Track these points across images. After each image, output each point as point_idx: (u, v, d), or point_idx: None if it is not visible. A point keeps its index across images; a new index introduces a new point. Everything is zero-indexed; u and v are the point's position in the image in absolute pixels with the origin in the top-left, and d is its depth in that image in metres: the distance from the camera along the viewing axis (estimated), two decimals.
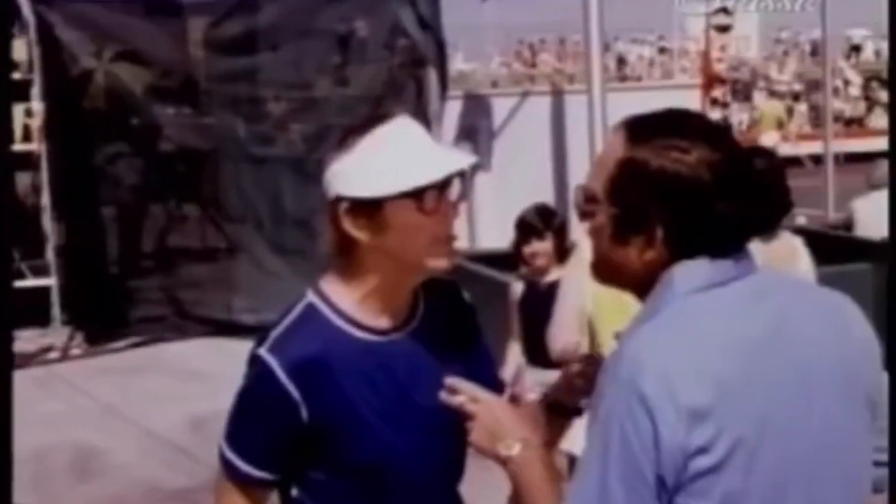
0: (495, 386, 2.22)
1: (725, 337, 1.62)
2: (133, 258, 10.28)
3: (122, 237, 10.15)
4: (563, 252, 4.91)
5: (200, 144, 10.25)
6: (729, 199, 1.66)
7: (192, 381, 7.74)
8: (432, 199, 1.97)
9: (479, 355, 2.26)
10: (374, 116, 2.06)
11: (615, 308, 3.23)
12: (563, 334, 3.93)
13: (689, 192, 1.66)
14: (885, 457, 1.79)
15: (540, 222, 4.96)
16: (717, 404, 1.56)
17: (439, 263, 2.05)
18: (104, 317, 9.67)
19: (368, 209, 1.98)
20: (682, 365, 1.57)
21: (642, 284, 1.72)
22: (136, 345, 9.48)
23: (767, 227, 3.68)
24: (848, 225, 9.07)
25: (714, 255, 1.67)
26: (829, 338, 1.71)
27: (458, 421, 2.17)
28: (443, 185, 2.00)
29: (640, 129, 1.73)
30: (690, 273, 1.67)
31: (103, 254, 9.99)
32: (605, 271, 1.78)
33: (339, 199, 2.00)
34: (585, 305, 3.64)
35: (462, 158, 2.02)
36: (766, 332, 1.65)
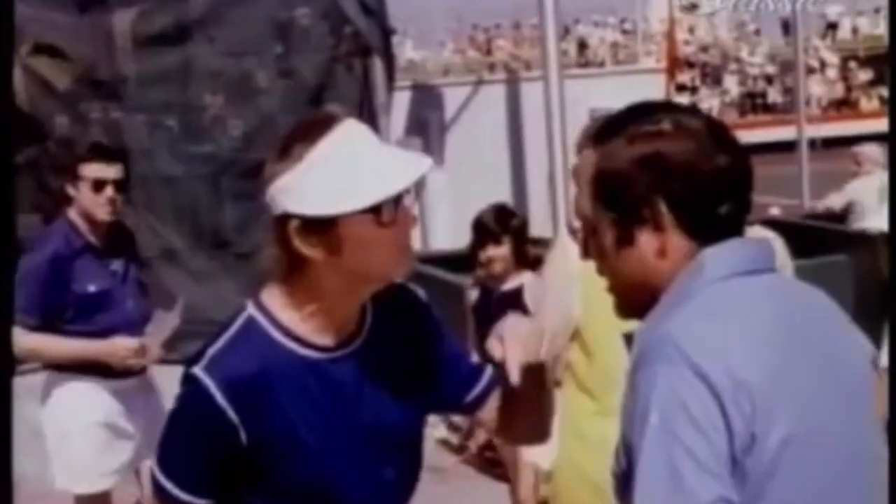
0: (473, 376, 2.22)
1: (768, 326, 1.63)
2: None
3: None
4: (522, 257, 4.81)
5: (132, 143, 10.13)
6: (721, 155, 1.68)
7: None
8: (390, 210, 1.95)
9: (442, 355, 2.22)
10: (316, 120, 2.01)
11: (609, 315, 3.12)
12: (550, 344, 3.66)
13: (676, 160, 1.67)
14: None
15: (497, 225, 4.82)
16: (770, 392, 1.55)
17: (398, 274, 2.06)
18: None
19: (322, 227, 1.95)
20: (736, 346, 1.57)
21: (660, 289, 1.70)
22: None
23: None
24: (835, 214, 9.00)
25: (732, 233, 1.68)
26: (849, 345, 1.75)
27: (409, 440, 2.16)
28: (398, 194, 1.97)
29: (606, 129, 1.75)
30: (722, 258, 1.67)
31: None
32: (625, 284, 1.75)
33: (288, 216, 1.96)
34: (572, 311, 3.37)
35: (418, 164, 1.99)
36: (804, 328, 1.67)
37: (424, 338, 2.20)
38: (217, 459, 2.00)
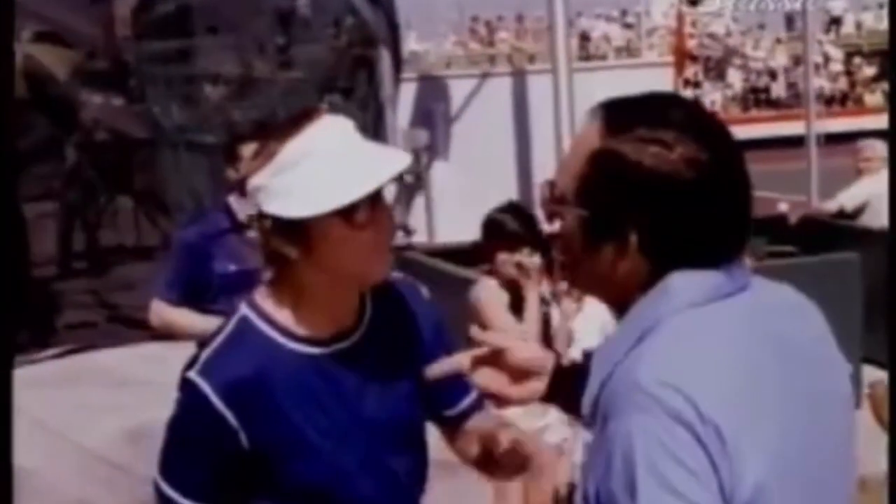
0: (463, 388, 2.17)
1: (738, 362, 1.54)
2: (60, 259, 10.17)
3: (48, 236, 10.04)
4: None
5: (132, 132, 10.15)
6: (714, 202, 1.56)
7: (128, 391, 7.62)
8: (363, 212, 1.93)
9: (440, 357, 2.15)
10: (295, 117, 2.00)
11: None
12: None
13: (666, 193, 1.56)
14: None
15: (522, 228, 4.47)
16: (739, 435, 1.48)
17: (376, 275, 2.03)
18: (29, 324, 9.55)
19: (293, 228, 1.94)
20: (704, 386, 1.48)
21: (619, 296, 1.62)
22: (66, 353, 9.37)
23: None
24: (846, 212, 8.85)
25: (706, 265, 1.58)
26: (825, 363, 1.67)
27: (413, 432, 2.15)
28: (374, 194, 1.94)
29: (620, 116, 1.61)
30: (691, 284, 1.57)
31: (26, 255, 9.87)
32: (581, 277, 1.68)
33: (263, 215, 1.96)
34: None
35: (391, 163, 1.96)
36: (775, 359, 1.57)
37: (421, 338, 2.18)
38: (219, 465, 1.98)
